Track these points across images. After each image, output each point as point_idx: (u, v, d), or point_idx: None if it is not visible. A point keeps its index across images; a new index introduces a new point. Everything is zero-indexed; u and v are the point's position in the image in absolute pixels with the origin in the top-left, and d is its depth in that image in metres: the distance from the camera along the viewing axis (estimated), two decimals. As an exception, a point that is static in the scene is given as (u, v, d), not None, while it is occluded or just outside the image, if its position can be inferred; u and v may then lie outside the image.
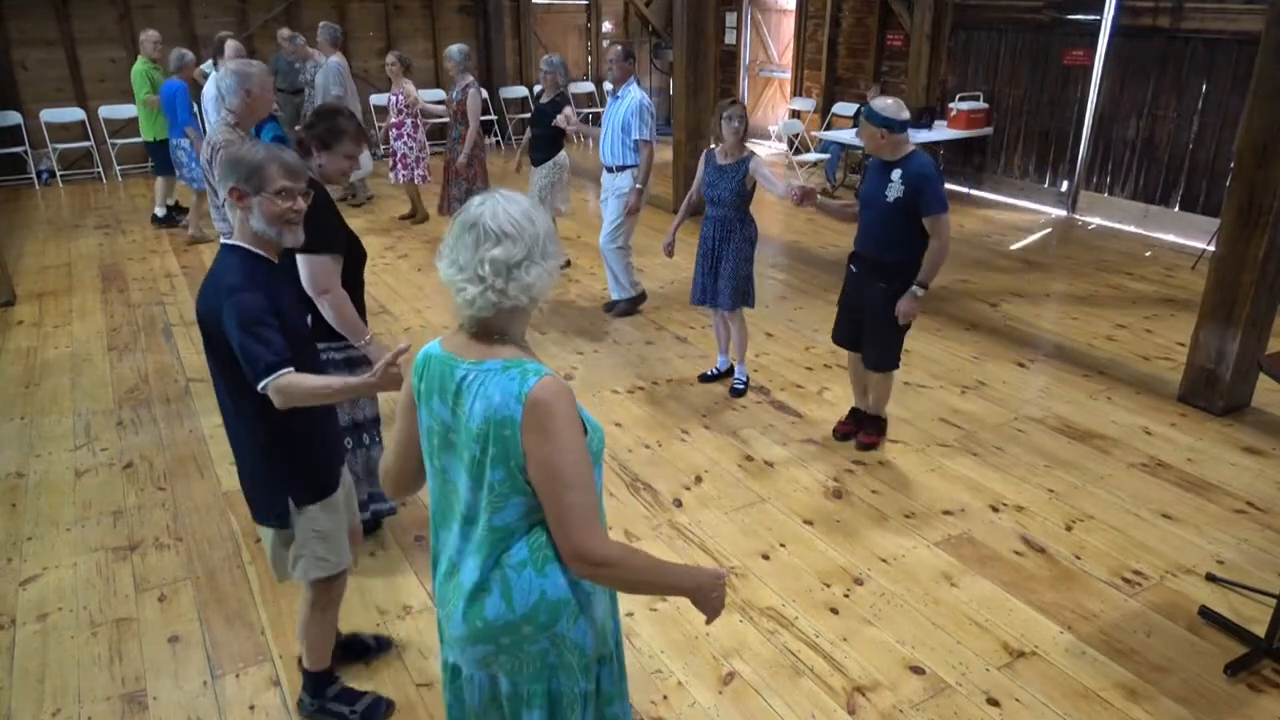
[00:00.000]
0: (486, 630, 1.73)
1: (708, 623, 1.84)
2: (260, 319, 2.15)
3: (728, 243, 4.71)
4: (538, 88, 7.58)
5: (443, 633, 1.86)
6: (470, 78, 7.12)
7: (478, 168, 7.21)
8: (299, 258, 2.94)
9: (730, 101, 4.71)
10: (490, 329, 1.67)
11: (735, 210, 4.67)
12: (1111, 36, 8.21)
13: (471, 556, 1.74)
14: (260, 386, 2.18)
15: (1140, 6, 7.94)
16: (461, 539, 1.75)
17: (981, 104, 9.36)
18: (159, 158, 8.11)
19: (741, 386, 5.04)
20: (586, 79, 13.34)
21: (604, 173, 6.08)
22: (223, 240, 2.42)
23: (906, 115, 3.85)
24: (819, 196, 4.22)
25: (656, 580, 1.80)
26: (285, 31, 9.51)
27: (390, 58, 7.93)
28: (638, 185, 5.85)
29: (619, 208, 5.95)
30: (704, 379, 5.17)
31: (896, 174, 3.86)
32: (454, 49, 7.13)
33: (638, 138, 5.80)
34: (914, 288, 3.96)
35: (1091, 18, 8.30)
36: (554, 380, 1.63)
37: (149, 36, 8.25)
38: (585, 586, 1.77)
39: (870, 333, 4.17)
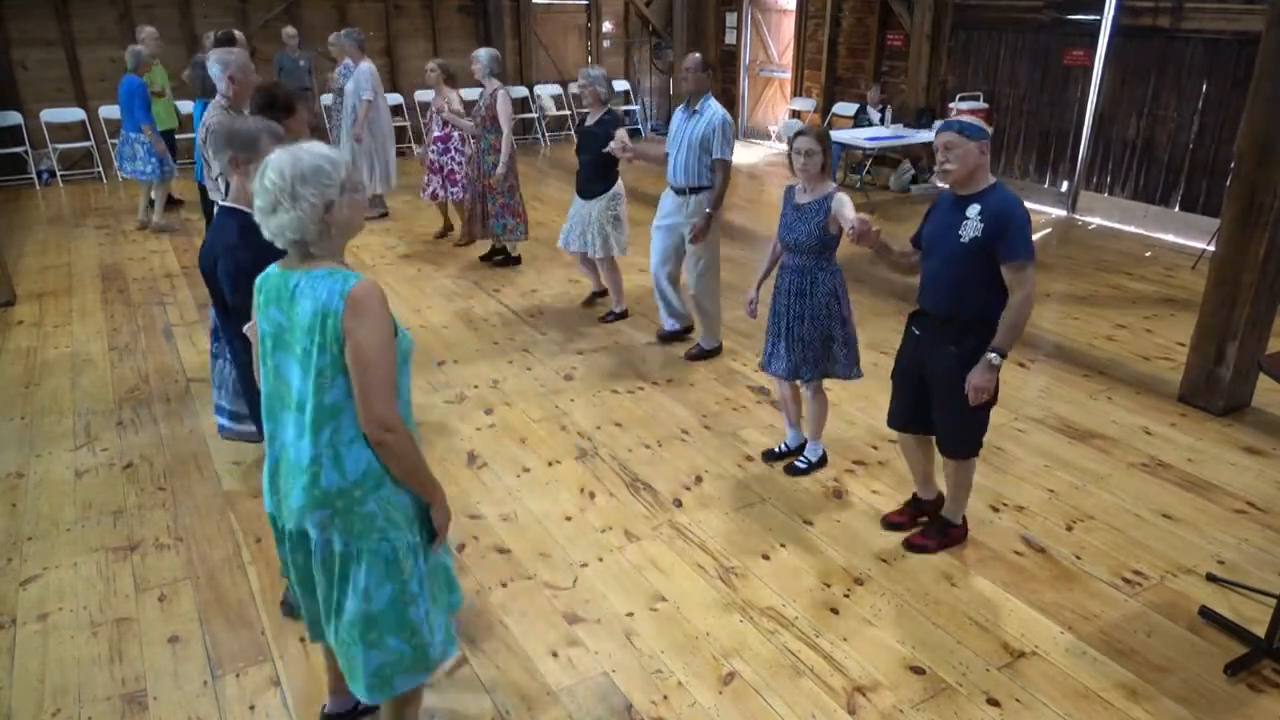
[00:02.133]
0: (324, 497, 2.10)
1: (433, 543, 2.27)
2: (250, 274, 2.33)
3: (806, 298, 3.90)
4: (549, 108, 7.30)
5: (278, 512, 2.22)
6: (498, 82, 6.66)
7: (514, 179, 6.75)
8: None
9: (798, 132, 3.92)
10: (307, 250, 2.06)
11: (815, 258, 3.87)
12: (1111, 36, 8.21)
13: (304, 437, 2.09)
14: (245, 328, 2.46)
15: (1140, 6, 7.94)
16: (295, 426, 2.12)
17: (981, 104, 9.36)
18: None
19: (805, 466, 4.21)
20: (587, 79, 13.33)
21: (668, 195, 5.35)
22: (220, 203, 2.89)
23: (990, 130, 3.19)
24: (881, 237, 3.33)
25: (421, 470, 2.17)
26: (290, 30, 9.52)
27: (431, 64, 7.31)
28: (708, 209, 5.16)
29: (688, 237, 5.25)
30: (770, 457, 4.33)
31: (974, 209, 3.13)
32: (483, 53, 6.64)
33: (718, 156, 5.14)
34: (989, 355, 3.12)
35: (1091, 18, 8.30)
36: (370, 282, 2.04)
37: (149, 34, 8.24)
38: None
39: (943, 409, 3.37)
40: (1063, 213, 8.97)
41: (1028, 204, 9.47)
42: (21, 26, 9.74)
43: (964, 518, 3.67)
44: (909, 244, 3.47)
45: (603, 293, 6.37)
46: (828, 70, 11.33)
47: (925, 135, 9.33)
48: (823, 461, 4.25)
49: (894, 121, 10.03)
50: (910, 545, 3.63)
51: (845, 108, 10.64)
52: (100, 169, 10.34)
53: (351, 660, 2.25)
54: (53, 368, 5.37)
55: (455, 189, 7.59)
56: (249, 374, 2.78)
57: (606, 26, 13.35)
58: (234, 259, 2.73)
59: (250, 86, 4.31)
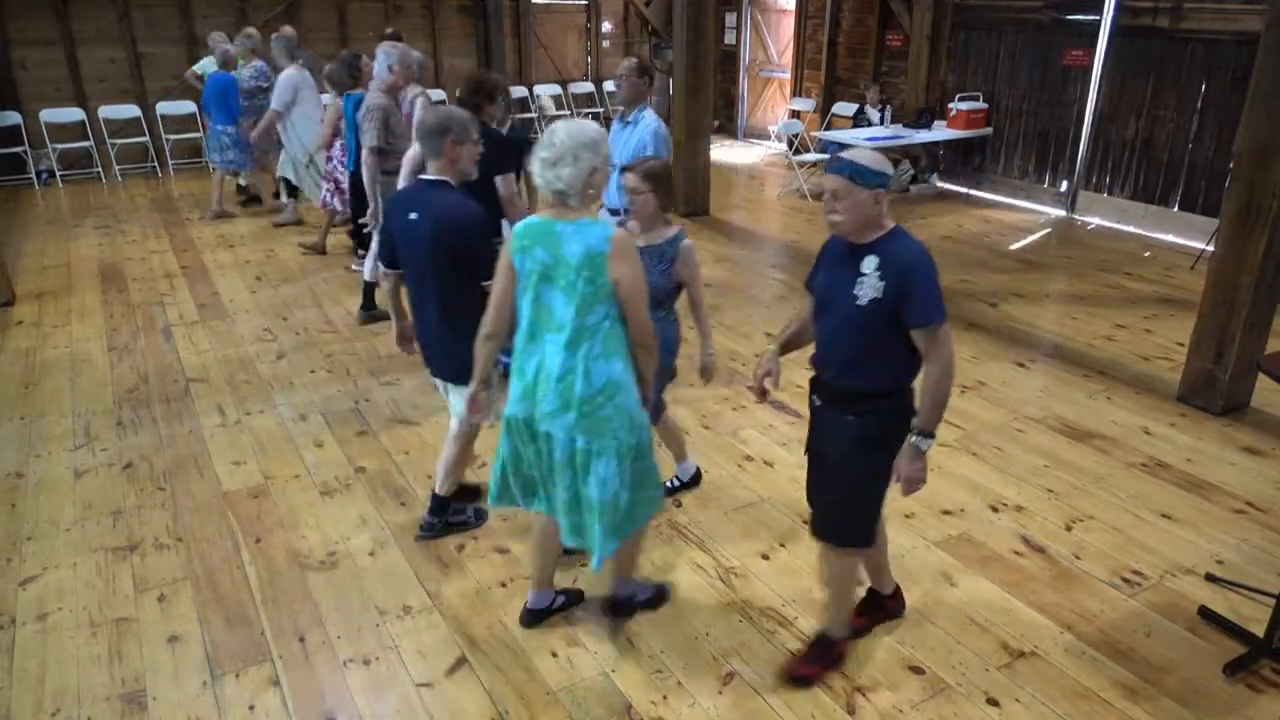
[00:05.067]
0: (574, 402, 2.64)
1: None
2: (487, 237, 3.13)
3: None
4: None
5: (530, 416, 2.73)
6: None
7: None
8: (497, 179, 4.21)
9: (624, 167, 3.45)
10: (565, 201, 2.61)
11: (655, 308, 3.14)
12: (1111, 37, 8.21)
13: (561, 353, 2.65)
14: (485, 283, 2.96)
15: (1140, 7, 7.94)
16: (553, 344, 2.66)
17: (981, 104, 9.36)
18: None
19: (676, 486, 4.04)
20: (586, 79, 13.34)
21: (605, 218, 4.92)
22: (427, 178, 3.28)
23: (890, 171, 2.60)
24: (770, 393, 3.02)
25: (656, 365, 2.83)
26: (288, 30, 9.51)
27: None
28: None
29: None
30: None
31: (871, 263, 2.56)
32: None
33: None
34: (914, 439, 2.62)
35: (1091, 18, 8.30)
36: (624, 231, 2.66)
37: (216, 39, 8.60)
38: (629, 373, 2.72)
39: (828, 486, 2.86)
40: (1062, 213, 8.97)
41: (1027, 204, 9.54)
42: (21, 26, 9.73)
43: (851, 629, 3.09)
44: (808, 312, 2.89)
45: None
46: (827, 70, 11.33)
47: (925, 135, 9.34)
48: (696, 479, 4.09)
49: (893, 122, 10.03)
50: (792, 677, 2.96)
51: (845, 108, 10.64)
52: (100, 169, 10.33)
53: (590, 531, 2.80)
54: (52, 368, 5.37)
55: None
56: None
57: (606, 26, 13.35)
58: (482, 219, 3.29)
59: (407, 78, 5.10)
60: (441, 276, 3.28)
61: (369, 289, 6.03)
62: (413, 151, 4.54)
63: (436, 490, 3.69)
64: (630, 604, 3.26)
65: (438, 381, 3.64)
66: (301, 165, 7.91)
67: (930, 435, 2.62)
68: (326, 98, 7.18)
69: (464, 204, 3.26)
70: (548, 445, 2.76)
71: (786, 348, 2.99)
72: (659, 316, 3.23)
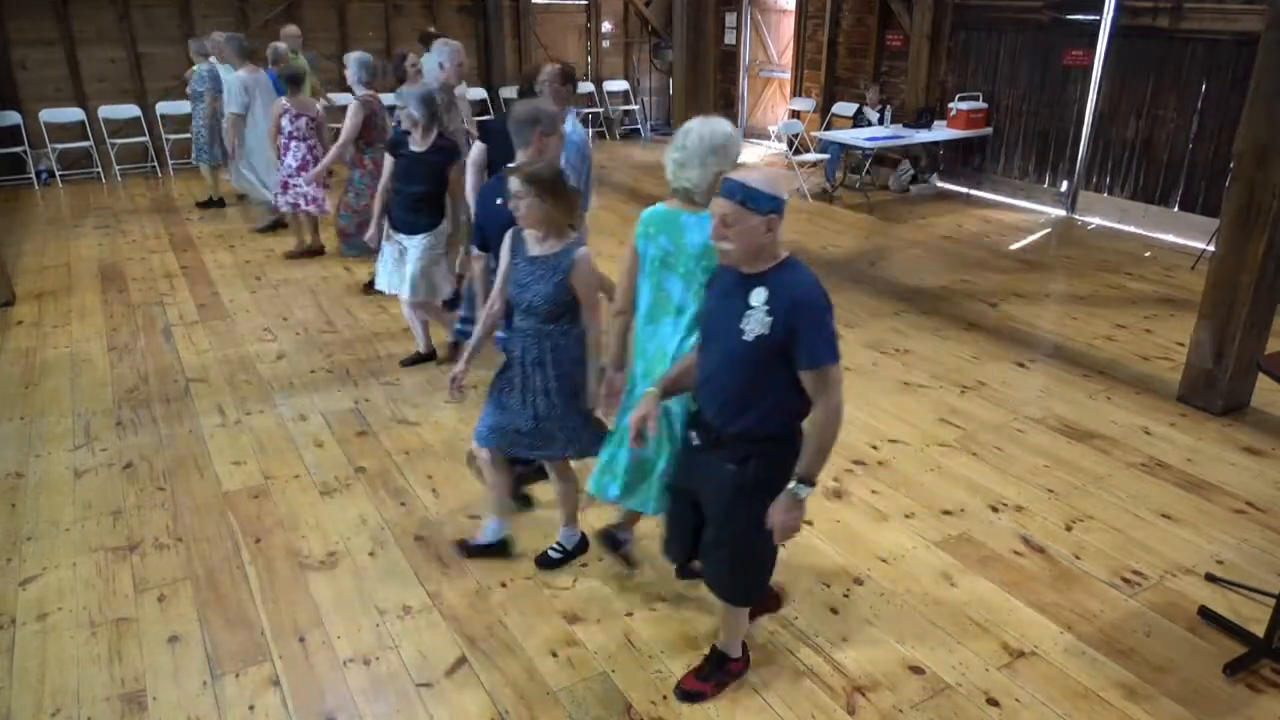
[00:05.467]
0: None
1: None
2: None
3: (547, 368, 3.17)
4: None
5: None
6: (364, 91, 6.16)
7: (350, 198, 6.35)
8: None
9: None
10: (691, 198, 2.78)
11: (555, 322, 3.14)
12: (1111, 37, 8.21)
13: (677, 336, 2.85)
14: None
15: (1140, 7, 7.94)
16: (671, 325, 2.88)
17: (981, 104, 9.36)
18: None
19: (558, 555, 3.57)
20: (586, 79, 13.34)
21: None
22: (514, 166, 3.25)
23: (784, 196, 2.37)
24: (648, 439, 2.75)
25: None
26: (292, 29, 9.51)
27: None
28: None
29: None
30: (469, 552, 3.63)
31: (760, 295, 2.38)
32: (351, 58, 6.18)
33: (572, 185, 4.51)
34: (794, 487, 2.43)
35: (1091, 18, 8.30)
36: None
37: (289, 32, 8.69)
38: None
39: (714, 543, 2.66)
40: (1062, 213, 8.97)
41: (1027, 204, 9.53)
42: (21, 26, 9.72)
43: (744, 644, 2.97)
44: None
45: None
46: (827, 70, 11.33)
47: (925, 135, 9.34)
48: (581, 547, 3.60)
49: (893, 122, 10.03)
50: (684, 693, 2.88)
51: (845, 108, 10.64)
52: (99, 169, 10.33)
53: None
54: (52, 368, 5.37)
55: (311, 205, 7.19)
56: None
57: (606, 26, 13.35)
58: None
59: (458, 75, 5.53)
60: None
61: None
62: (476, 150, 4.58)
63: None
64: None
65: None
66: (244, 168, 7.88)
67: (811, 483, 2.43)
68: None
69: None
70: (665, 421, 2.88)
71: (670, 389, 2.69)
72: (553, 329, 3.11)
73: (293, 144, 6.95)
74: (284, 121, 6.90)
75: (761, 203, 2.30)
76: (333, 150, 6.38)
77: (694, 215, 2.78)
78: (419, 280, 5.05)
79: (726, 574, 2.69)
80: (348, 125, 6.13)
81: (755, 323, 2.36)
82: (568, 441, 3.23)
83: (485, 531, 3.60)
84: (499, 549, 3.58)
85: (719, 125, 2.74)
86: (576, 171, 4.20)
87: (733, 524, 2.57)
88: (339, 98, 9.17)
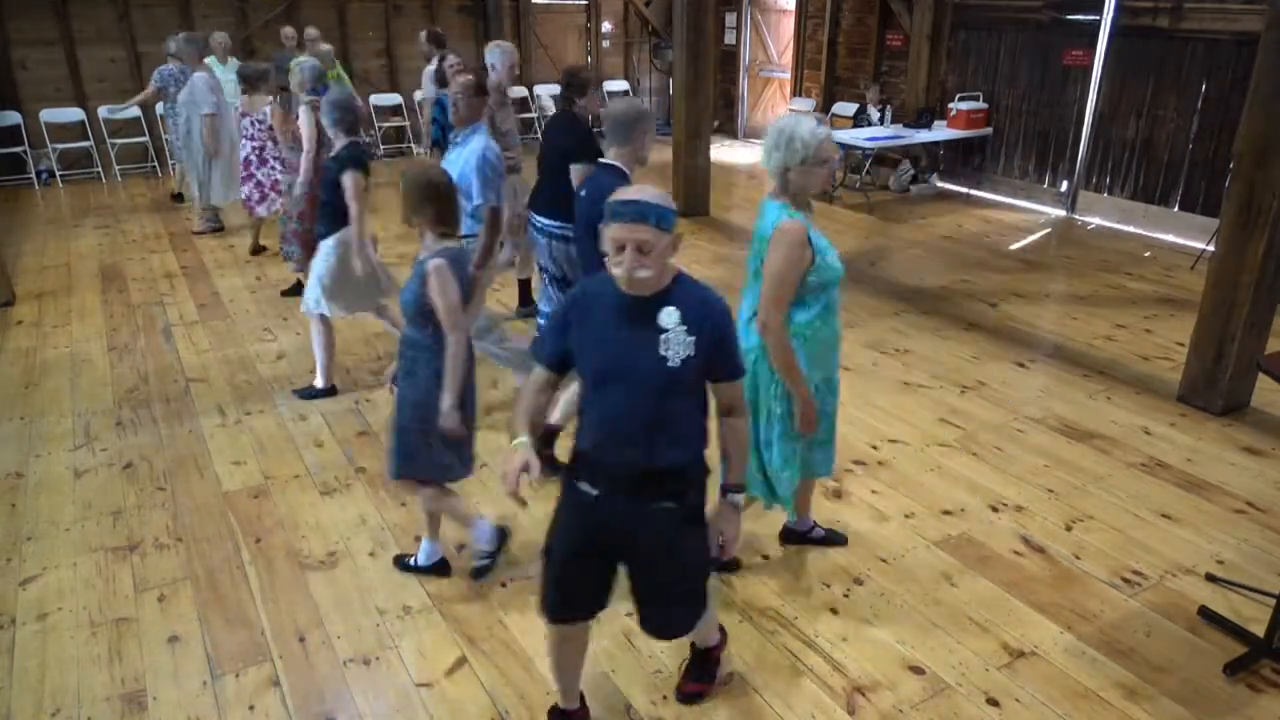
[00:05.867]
0: (751, 347, 3.01)
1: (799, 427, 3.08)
2: None
3: (412, 378, 3.15)
4: None
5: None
6: (316, 98, 5.68)
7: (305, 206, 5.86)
8: (573, 166, 4.37)
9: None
10: (781, 185, 2.94)
11: (418, 330, 3.13)
12: (1111, 37, 8.21)
13: (749, 301, 3.07)
14: None
15: (1140, 7, 7.94)
16: (749, 294, 3.07)
17: (981, 104, 9.36)
18: None
19: (487, 562, 3.50)
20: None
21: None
22: (606, 163, 3.60)
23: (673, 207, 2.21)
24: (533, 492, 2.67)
25: (788, 369, 2.95)
26: (289, 30, 9.51)
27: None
28: (473, 267, 3.86)
29: None
30: (404, 566, 3.55)
31: (671, 316, 2.19)
32: (305, 63, 5.89)
33: (477, 202, 4.23)
34: (731, 497, 2.40)
35: (1091, 18, 8.30)
36: (795, 224, 2.86)
37: (219, 40, 8.44)
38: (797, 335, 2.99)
39: (663, 586, 2.44)
40: (1062, 213, 8.97)
41: (1027, 204, 9.54)
42: (21, 26, 9.73)
43: (720, 626, 2.98)
44: (541, 384, 2.38)
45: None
46: (827, 70, 11.33)
47: (925, 135, 9.33)
48: (499, 538, 3.52)
49: (893, 121, 10.03)
50: (685, 696, 2.88)
51: (845, 108, 10.64)
52: (99, 169, 10.33)
53: (772, 469, 3.12)
54: (52, 368, 5.37)
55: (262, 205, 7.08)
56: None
57: (606, 26, 13.35)
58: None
59: (511, 77, 5.67)
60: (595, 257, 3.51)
61: (524, 285, 6.14)
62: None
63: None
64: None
65: None
66: (200, 169, 7.81)
67: (742, 489, 2.42)
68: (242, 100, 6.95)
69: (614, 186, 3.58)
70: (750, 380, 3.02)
71: (534, 432, 2.38)
72: (417, 336, 3.11)
73: (243, 142, 6.92)
74: (245, 124, 6.89)
75: (670, 220, 2.14)
76: (304, 162, 5.79)
77: (773, 202, 2.98)
78: (314, 288, 4.76)
79: (685, 612, 2.49)
80: (309, 133, 5.78)
81: (677, 345, 2.18)
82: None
83: (420, 553, 3.51)
84: (438, 569, 3.50)
85: (799, 125, 2.85)
86: (490, 185, 4.19)
87: (683, 560, 2.41)
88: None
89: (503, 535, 3.55)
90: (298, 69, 5.77)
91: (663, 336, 2.18)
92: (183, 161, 8.53)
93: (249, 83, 6.78)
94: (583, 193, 3.66)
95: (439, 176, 3.12)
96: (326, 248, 4.72)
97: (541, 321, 4.43)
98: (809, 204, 2.98)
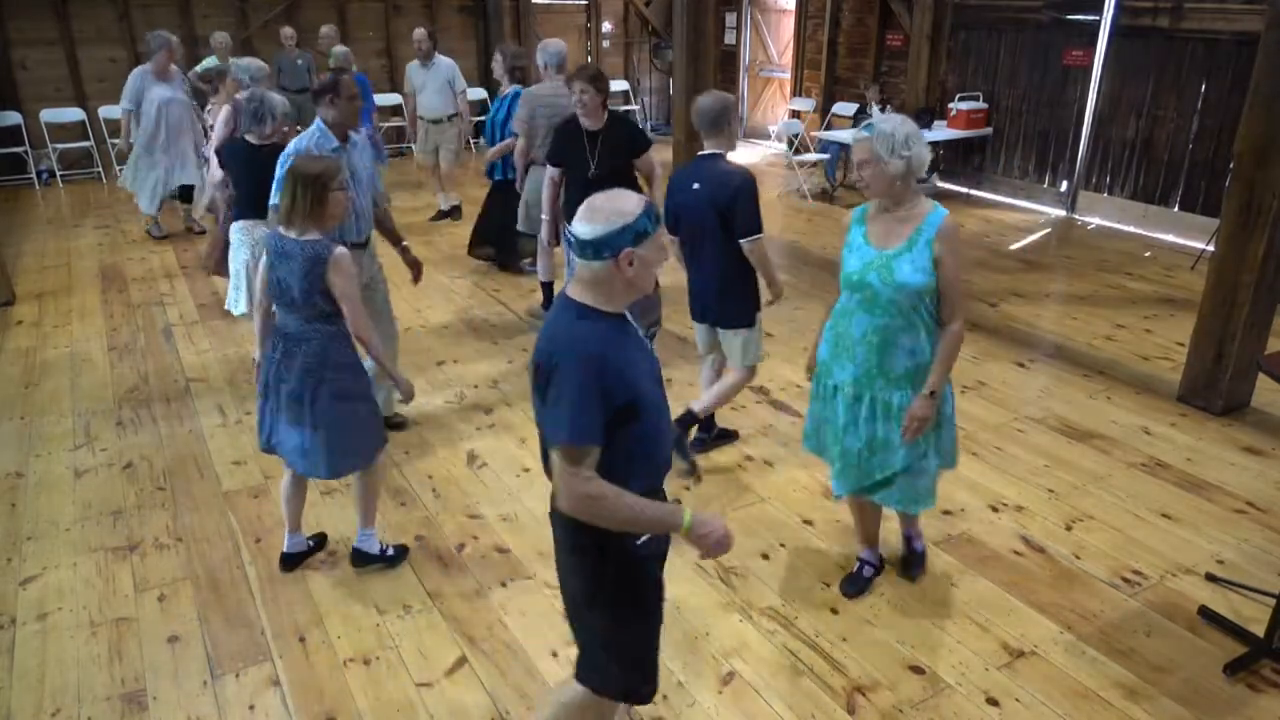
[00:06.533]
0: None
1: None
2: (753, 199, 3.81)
3: (295, 362, 3.11)
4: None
5: (839, 379, 3.08)
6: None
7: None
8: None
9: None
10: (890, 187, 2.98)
11: (306, 323, 3.08)
12: (1111, 37, 8.21)
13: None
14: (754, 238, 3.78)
15: (1140, 7, 7.94)
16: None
17: (981, 104, 9.36)
18: None
19: (376, 554, 3.53)
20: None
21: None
22: (708, 152, 3.88)
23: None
24: None
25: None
26: (289, 30, 9.51)
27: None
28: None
29: None
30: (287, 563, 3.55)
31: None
32: (249, 64, 5.77)
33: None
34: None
35: (1091, 18, 8.30)
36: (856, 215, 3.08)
37: (219, 40, 8.40)
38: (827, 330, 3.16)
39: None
40: (1062, 213, 8.97)
41: (1027, 204, 9.52)
42: (21, 26, 9.73)
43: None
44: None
45: None
46: (827, 70, 11.33)
47: (926, 135, 9.31)
48: (395, 555, 3.54)
49: (893, 121, 10.02)
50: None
51: (845, 108, 10.64)
52: (100, 169, 10.33)
53: (904, 486, 3.13)
54: (52, 368, 5.37)
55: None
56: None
57: (606, 26, 13.35)
58: (749, 184, 3.77)
59: (560, 75, 5.78)
60: (717, 234, 3.78)
61: (548, 289, 6.19)
62: (522, 145, 5.63)
63: (696, 409, 4.03)
64: None
65: (702, 328, 4.11)
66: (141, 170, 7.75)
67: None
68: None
69: (735, 171, 3.80)
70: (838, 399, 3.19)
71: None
72: (316, 328, 3.06)
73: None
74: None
75: (613, 246, 1.93)
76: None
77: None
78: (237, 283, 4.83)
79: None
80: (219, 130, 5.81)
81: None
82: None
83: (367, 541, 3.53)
84: (315, 548, 3.61)
85: (893, 127, 2.90)
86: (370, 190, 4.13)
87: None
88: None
89: (383, 555, 3.54)
90: (257, 69, 5.71)
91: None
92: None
93: (211, 85, 6.80)
94: (695, 185, 3.82)
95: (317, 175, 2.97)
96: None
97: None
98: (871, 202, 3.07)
